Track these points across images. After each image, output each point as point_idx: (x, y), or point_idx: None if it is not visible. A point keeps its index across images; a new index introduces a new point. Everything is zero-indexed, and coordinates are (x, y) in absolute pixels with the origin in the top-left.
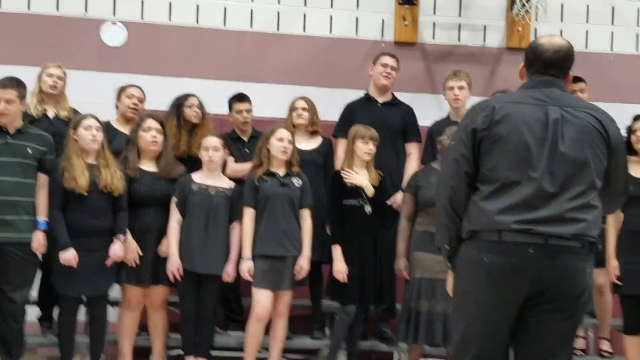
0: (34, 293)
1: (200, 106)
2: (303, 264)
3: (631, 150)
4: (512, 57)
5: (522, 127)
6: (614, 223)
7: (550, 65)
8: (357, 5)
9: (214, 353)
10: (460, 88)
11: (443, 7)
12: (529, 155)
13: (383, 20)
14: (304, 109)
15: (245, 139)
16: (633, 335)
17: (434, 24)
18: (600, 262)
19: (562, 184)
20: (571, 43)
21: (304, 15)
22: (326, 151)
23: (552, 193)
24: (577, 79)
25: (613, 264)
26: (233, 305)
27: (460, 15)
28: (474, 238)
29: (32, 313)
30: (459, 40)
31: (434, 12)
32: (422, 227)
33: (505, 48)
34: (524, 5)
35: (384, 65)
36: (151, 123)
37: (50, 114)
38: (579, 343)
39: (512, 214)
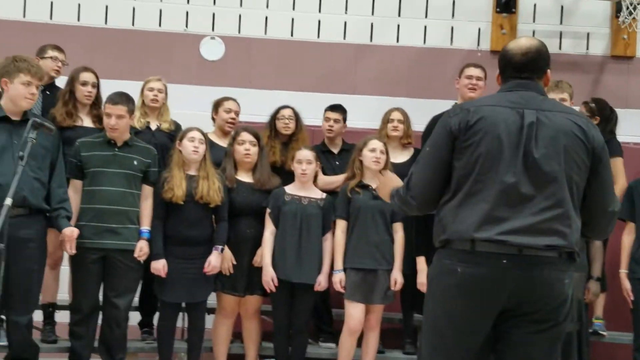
0: (135, 299)
1: (294, 118)
2: (397, 277)
3: None
4: (617, 66)
5: (496, 130)
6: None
7: (522, 68)
8: (453, 15)
9: None
10: (562, 100)
11: (544, 15)
12: (501, 160)
13: (479, 29)
14: (399, 120)
15: (335, 151)
16: None
17: (534, 32)
18: None
19: (535, 191)
20: (542, 42)
21: (398, 26)
22: None
23: (526, 201)
24: None
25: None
26: (323, 316)
27: (561, 22)
28: (447, 247)
29: (134, 318)
30: (560, 48)
31: (534, 20)
32: None
33: (609, 56)
34: (630, 13)
35: (469, 77)
36: (245, 136)
37: (153, 126)
38: None
39: (485, 223)
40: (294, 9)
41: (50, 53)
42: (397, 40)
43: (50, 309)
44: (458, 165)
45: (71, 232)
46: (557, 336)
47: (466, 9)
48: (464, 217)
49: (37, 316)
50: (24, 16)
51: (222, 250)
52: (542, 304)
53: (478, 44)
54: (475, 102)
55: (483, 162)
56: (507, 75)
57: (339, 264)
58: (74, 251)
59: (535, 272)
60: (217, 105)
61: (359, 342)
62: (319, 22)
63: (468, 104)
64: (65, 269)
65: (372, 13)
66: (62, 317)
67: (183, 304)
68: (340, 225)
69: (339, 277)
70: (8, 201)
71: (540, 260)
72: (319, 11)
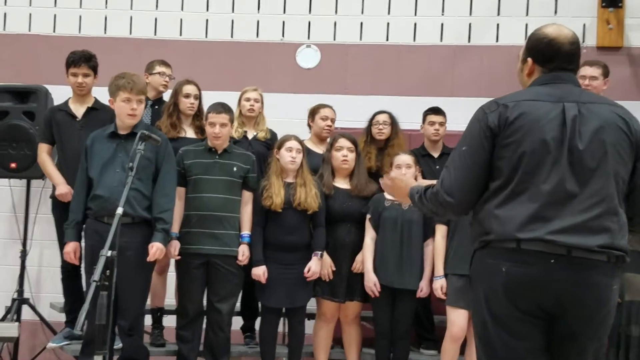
0: (237, 304)
1: (389, 123)
2: None
3: None
4: None
5: (538, 126)
6: None
7: (571, 59)
8: (555, 11)
9: None
10: None
11: None
12: (546, 157)
13: (584, 25)
14: None
15: (435, 155)
16: None
17: None
18: None
19: (581, 187)
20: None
21: (497, 25)
22: None
23: (573, 198)
24: None
25: None
26: (425, 322)
27: None
28: (489, 246)
29: (237, 323)
30: None
31: None
32: (634, 246)
33: None
34: None
35: (582, 78)
36: (343, 142)
37: (250, 135)
38: None
39: (531, 222)
40: (389, 13)
41: (158, 69)
42: (497, 40)
43: (158, 314)
44: (500, 164)
45: (157, 250)
46: (601, 348)
47: (570, 4)
48: (509, 217)
49: (147, 320)
50: (130, 33)
51: (322, 255)
52: (588, 313)
53: (583, 41)
54: (512, 96)
55: (528, 160)
56: (554, 66)
57: (439, 269)
58: (177, 255)
59: (584, 275)
60: (313, 112)
61: (462, 349)
62: (415, 25)
63: (505, 99)
64: (172, 275)
65: (470, 13)
66: (171, 322)
67: (283, 309)
68: (441, 230)
69: (440, 284)
70: (119, 210)
71: (589, 263)
72: (415, 14)
